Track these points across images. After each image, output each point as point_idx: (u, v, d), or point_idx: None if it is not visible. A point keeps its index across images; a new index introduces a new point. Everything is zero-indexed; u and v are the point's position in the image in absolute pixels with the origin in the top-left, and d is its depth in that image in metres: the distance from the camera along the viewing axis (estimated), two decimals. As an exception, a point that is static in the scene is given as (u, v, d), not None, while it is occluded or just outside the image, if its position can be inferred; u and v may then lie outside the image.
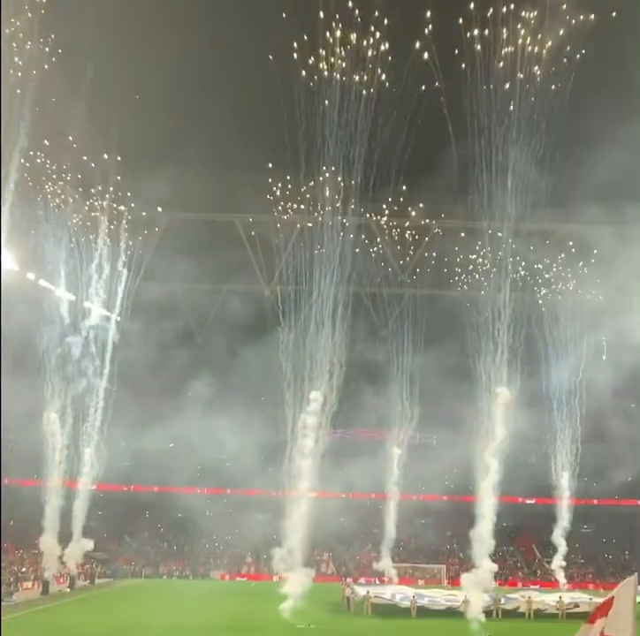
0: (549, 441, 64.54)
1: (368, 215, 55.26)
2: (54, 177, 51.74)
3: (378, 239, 60.28)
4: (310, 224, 52.41)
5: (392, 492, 66.08)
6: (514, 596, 45.21)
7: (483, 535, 42.03)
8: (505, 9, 39.75)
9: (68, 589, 54.37)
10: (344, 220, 49.44)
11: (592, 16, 39.90)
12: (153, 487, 75.35)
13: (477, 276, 49.15)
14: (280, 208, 57.16)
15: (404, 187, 52.68)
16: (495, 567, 43.70)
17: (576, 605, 42.66)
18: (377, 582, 61.34)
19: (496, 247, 46.03)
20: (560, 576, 64.51)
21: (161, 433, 61.40)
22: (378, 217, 57.87)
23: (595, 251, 57.56)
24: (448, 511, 69.32)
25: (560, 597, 43.84)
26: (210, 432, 63.45)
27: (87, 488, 58.33)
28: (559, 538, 64.48)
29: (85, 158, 51.61)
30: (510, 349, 43.67)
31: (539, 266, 55.66)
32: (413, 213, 58.81)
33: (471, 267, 51.55)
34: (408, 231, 61.15)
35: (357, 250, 53.16)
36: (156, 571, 70.75)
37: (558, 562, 64.82)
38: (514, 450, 46.54)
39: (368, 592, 45.08)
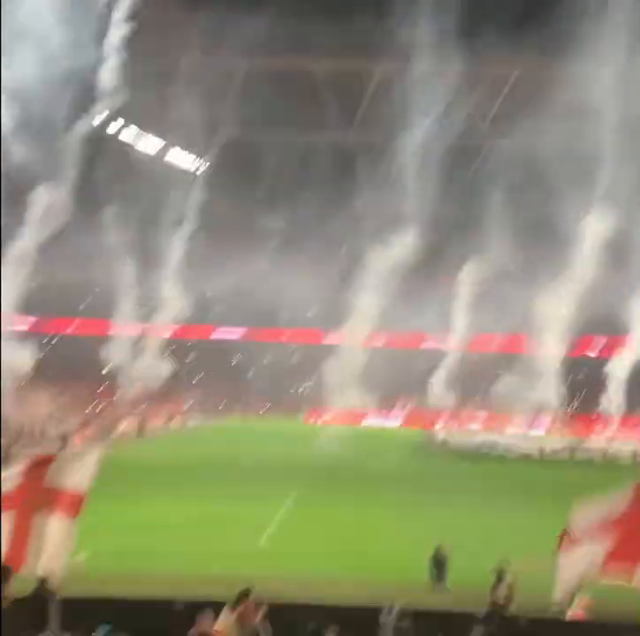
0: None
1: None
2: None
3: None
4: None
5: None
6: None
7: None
8: None
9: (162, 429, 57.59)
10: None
11: None
12: (239, 332, 78.21)
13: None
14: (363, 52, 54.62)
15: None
16: None
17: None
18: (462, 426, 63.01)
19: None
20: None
21: (241, 281, 62.53)
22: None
23: None
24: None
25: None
26: (286, 281, 63.90)
27: (172, 333, 60.21)
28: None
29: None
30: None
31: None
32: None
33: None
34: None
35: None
36: (243, 411, 73.78)
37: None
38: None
39: (452, 437, 46.34)
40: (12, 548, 11.00)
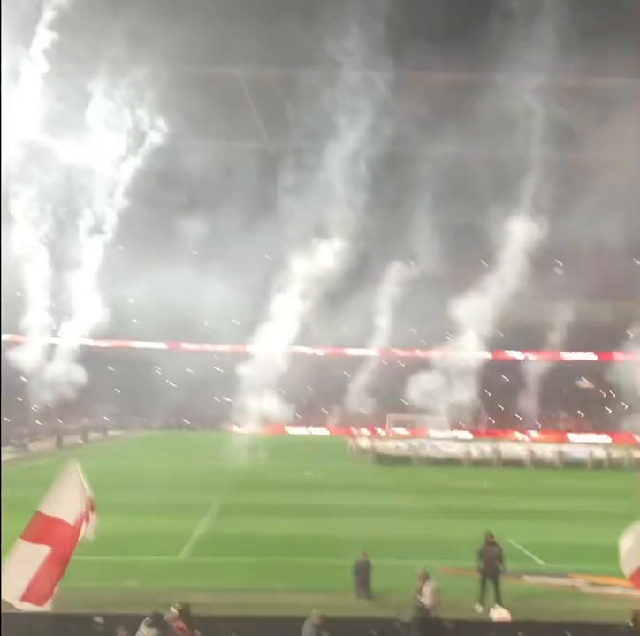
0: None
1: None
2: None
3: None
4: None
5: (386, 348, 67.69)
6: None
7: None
8: None
9: (81, 441, 55.88)
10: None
11: None
12: (162, 343, 77.19)
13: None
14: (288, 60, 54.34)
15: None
16: None
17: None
18: (382, 433, 63.44)
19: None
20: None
21: (163, 290, 61.46)
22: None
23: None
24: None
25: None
26: (210, 290, 62.85)
27: (90, 341, 58.54)
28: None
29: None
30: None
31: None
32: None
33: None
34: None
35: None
36: (167, 423, 72.84)
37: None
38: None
39: (371, 442, 46.58)
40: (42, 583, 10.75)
